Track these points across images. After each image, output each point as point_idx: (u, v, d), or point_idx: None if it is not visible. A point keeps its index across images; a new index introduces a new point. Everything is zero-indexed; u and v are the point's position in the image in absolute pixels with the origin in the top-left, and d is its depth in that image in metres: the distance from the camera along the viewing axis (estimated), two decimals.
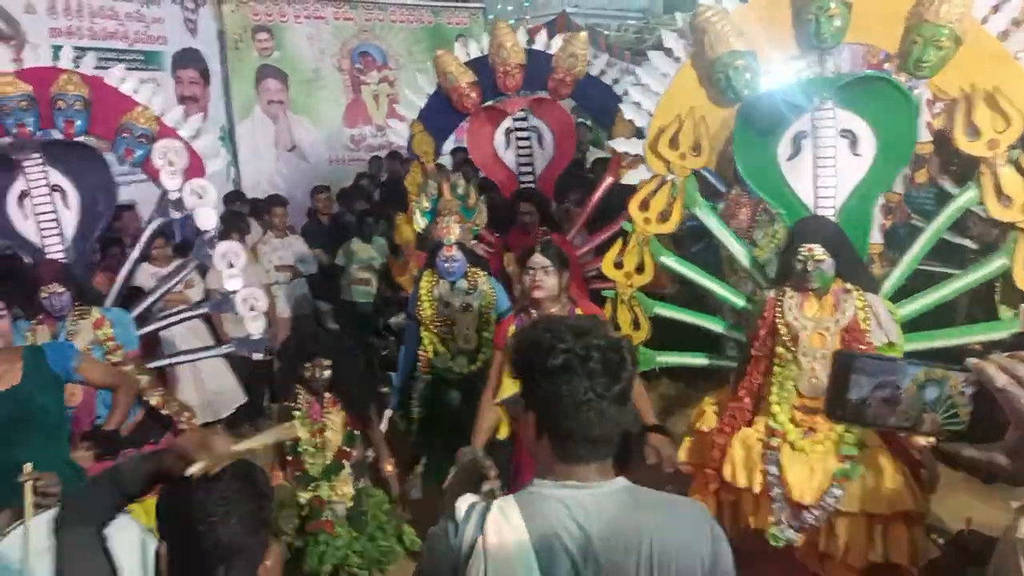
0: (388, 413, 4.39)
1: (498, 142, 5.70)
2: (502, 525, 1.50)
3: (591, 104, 5.60)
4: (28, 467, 2.51)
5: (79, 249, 4.48)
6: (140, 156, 4.43)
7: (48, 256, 4.35)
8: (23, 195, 4.39)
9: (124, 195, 5.44)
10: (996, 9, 3.44)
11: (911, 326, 3.67)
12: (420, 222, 4.75)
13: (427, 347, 4.32)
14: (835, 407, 1.10)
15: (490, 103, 5.53)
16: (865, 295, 3.35)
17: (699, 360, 4.14)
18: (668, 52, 3.91)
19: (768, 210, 4.69)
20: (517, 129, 5.60)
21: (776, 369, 3.42)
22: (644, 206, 3.98)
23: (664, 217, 3.96)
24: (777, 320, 3.39)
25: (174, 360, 4.94)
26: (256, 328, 4.57)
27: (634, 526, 1.49)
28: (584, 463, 1.53)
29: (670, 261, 4.04)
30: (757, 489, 3.35)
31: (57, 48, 7.20)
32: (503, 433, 3.44)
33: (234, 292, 4.52)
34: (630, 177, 4.13)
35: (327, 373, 3.42)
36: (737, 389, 3.54)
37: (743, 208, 5.07)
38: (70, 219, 4.48)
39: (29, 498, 2.45)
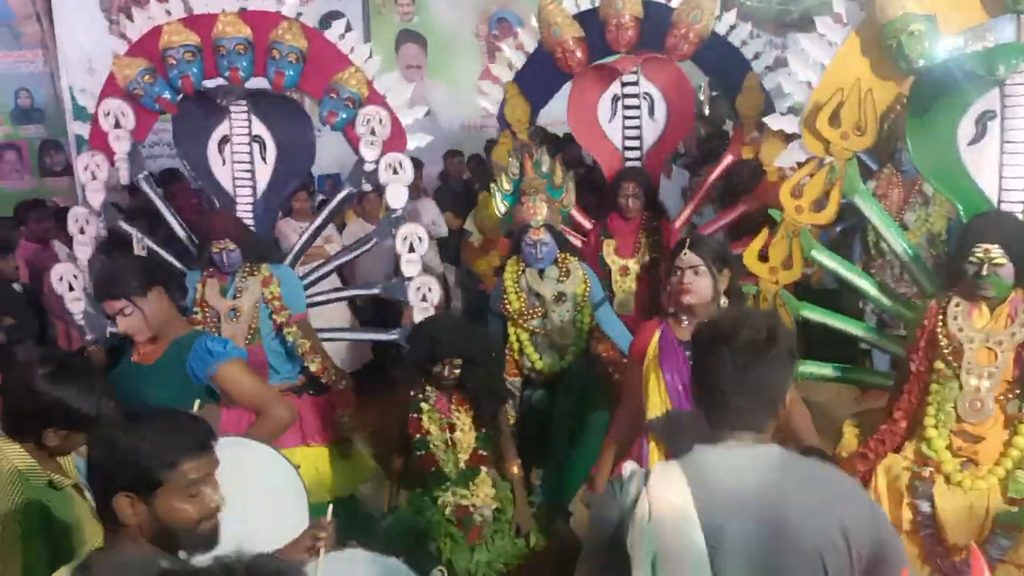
0: None
1: (602, 111, 4.88)
2: (664, 483, 1.64)
3: (715, 68, 4.87)
4: (196, 405, 2.61)
5: (267, 203, 4.37)
6: (342, 120, 4.16)
7: (238, 207, 4.29)
8: (224, 140, 4.32)
9: None
10: None
11: None
12: (501, 206, 4.33)
13: (514, 345, 3.92)
14: None
15: (598, 63, 4.80)
16: None
17: (848, 374, 3.70)
18: (836, 17, 3.42)
19: (924, 191, 4.37)
20: (625, 96, 4.81)
21: (934, 387, 2.91)
22: (797, 193, 3.47)
23: (819, 206, 3.46)
24: (938, 330, 2.90)
25: (332, 337, 4.64)
26: (422, 315, 4.13)
27: (783, 484, 1.62)
28: (733, 432, 1.68)
29: (822, 256, 3.58)
30: (906, 527, 2.89)
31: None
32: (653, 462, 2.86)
33: (410, 278, 4.21)
34: (783, 159, 3.65)
35: (457, 372, 3.20)
36: (892, 409, 3.03)
37: (895, 188, 4.77)
38: (264, 172, 4.35)
39: None
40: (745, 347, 1.64)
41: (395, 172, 4.20)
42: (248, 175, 4.31)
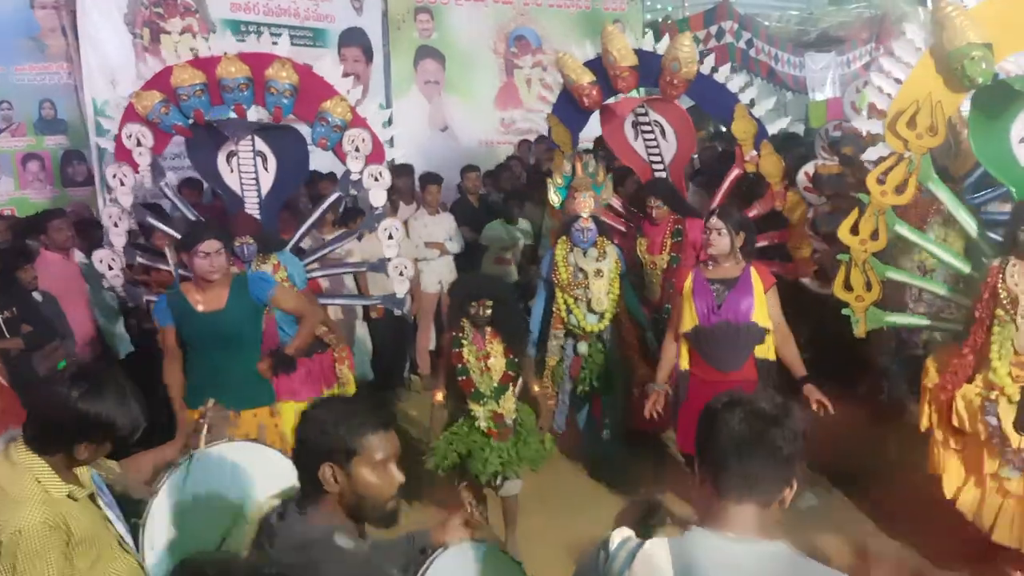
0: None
1: (628, 133, 5.79)
2: (650, 565, 1.52)
3: (706, 103, 5.56)
4: (211, 403, 2.75)
5: (271, 205, 5.27)
6: (333, 142, 5.12)
7: (246, 206, 5.15)
8: (231, 154, 5.17)
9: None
10: None
11: None
12: (554, 198, 5.27)
13: (561, 306, 5.01)
14: None
15: (609, 102, 5.65)
16: None
17: (923, 321, 4.59)
18: (910, 43, 4.24)
19: (941, 211, 4.68)
20: (640, 123, 5.66)
21: (996, 330, 3.80)
22: (881, 180, 4.23)
23: (900, 190, 4.22)
24: (999, 285, 3.79)
25: (332, 302, 5.72)
26: (400, 289, 5.37)
27: None
28: (738, 503, 1.55)
29: (904, 230, 4.32)
30: (982, 438, 3.75)
31: (236, 23, 7.61)
32: (684, 365, 4.22)
33: (389, 259, 5.31)
34: (869, 153, 4.42)
35: (488, 311, 4.08)
36: (961, 347, 3.94)
37: (911, 209, 4.81)
38: (267, 180, 5.24)
39: (204, 432, 2.69)
40: (762, 413, 1.57)
41: (376, 180, 5.16)
42: (253, 182, 5.19)
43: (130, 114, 5.06)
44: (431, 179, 6.91)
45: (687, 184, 6.11)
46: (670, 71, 5.20)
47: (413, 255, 6.63)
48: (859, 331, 4.42)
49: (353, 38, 8.92)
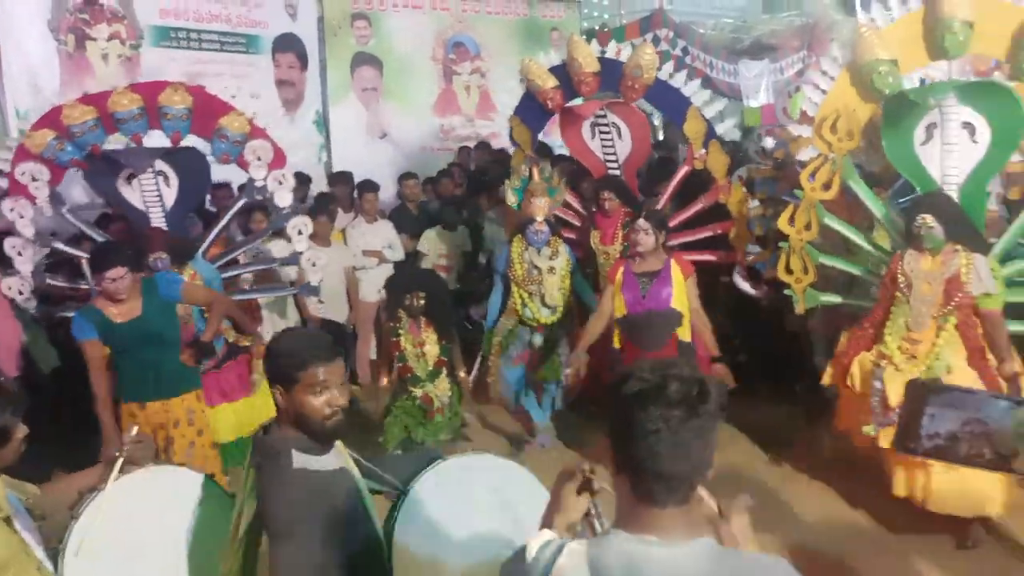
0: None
1: (585, 133, 6.18)
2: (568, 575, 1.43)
3: (663, 105, 6.13)
4: (134, 431, 2.70)
5: (176, 217, 5.50)
6: (235, 155, 5.53)
7: (152, 221, 5.33)
8: (131, 175, 5.35)
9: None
10: None
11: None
12: (511, 198, 5.54)
13: (517, 300, 5.39)
14: (907, 439, 1.02)
15: (571, 104, 6.05)
16: (972, 255, 4.17)
17: (848, 300, 5.05)
18: (835, 59, 4.88)
19: (867, 216, 5.03)
20: (598, 125, 6.08)
21: (893, 309, 4.35)
22: (812, 178, 4.80)
23: (826, 187, 4.79)
24: (898, 271, 4.30)
25: (246, 296, 5.85)
26: (314, 278, 5.81)
27: None
28: (661, 506, 1.44)
29: (831, 221, 4.86)
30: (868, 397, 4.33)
31: (165, 30, 7.48)
32: (617, 344, 4.83)
33: (301, 252, 5.75)
34: (802, 155, 5.00)
35: (422, 302, 4.54)
36: (863, 322, 4.53)
37: (843, 213, 5.16)
38: (170, 195, 5.49)
39: (118, 466, 2.61)
40: (678, 404, 1.40)
41: (280, 183, 5.63)
42: (157, 198, 5.39)
43: (22, 154, 5.22)
44: (368, 187, 6.85)
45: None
46: (632, 76, 5.65)
47: (351, 264, 6.58)
48: (799, 309, 5.01)
49: (287, 44, 8.77)
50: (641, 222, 4.65)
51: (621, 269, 4.79)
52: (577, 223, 6.19)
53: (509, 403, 5.65)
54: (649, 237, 4.64)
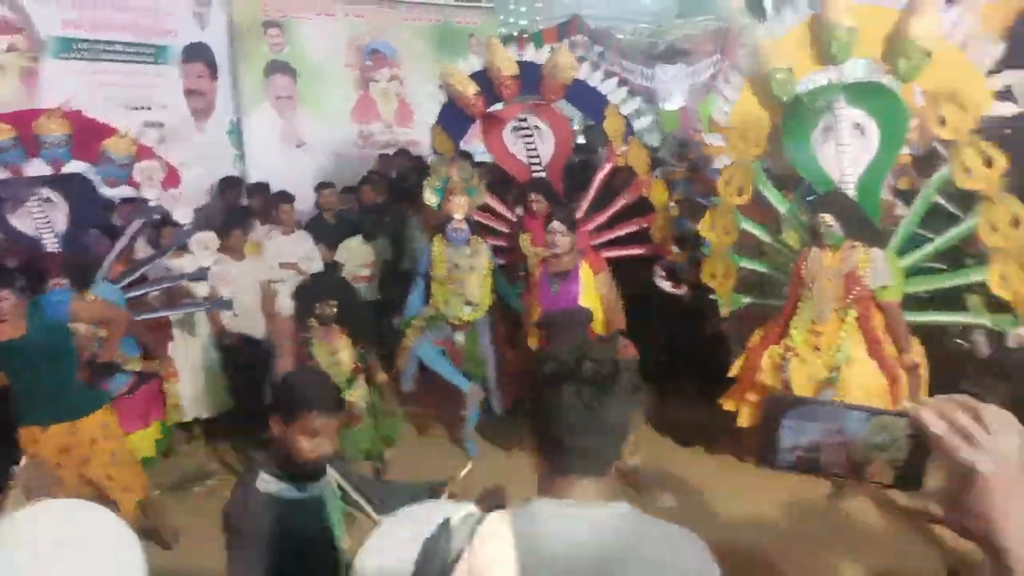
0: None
1: (507, 138, 6.20)
2: (490, 540, 1.46)
3: (582, 104, 6.26)
4: (23, 462, 2.56)
5: (72, 240, 5.44)
6: (123, 178, 5.51)
7: (46, 247, 5.27)
8: (15, 203, 5.30)
9: None
10: (955, 26, 4.42)
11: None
12: (431, 198, 5.57)
13: (438, 299, 5.40)
14: (766, 454, 1.02)
15: (493, 109, 6.07)
16: (869, 250, 4.39)
17: (763, 300, 5.20)
18: (739, 69, 5.08)
19: (777, 219, 5.16)
20: (520, 128, 6.11)
21: (799, 304, 4.59)
22: (728, 184, 4.99)
23: (741, 191, 4.97)
24: (803, 268, 4.53)
25: (156, 314, 5.71)
26: (225, 292, 5.74)
27: (626, 555, 1.44)
28: (577, 477, 1.50)
29: (747, 225, 5.09)
30: (777, 385, 4.58)
31: (67, 41, 7.22)
32: (533, 344, 5.06)
33: (208, 267, 5.66)
34: (716, 162, 5.25)
35: (334, 310, 4.48)
36: (777, 317, 4.74)
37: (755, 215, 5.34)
38: (60, 219, 5.42)
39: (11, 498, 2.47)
40: (591, 381, 1.48)
41: (175, 200, 5.63)
42: (47, 223, 5.32)
43: None
44: (283, 198, 6.72)
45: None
46: (551, 77, 5.74)
47: (268, 277, 6.42)
48: (724, 311, 5.17)
49: (197, 54, 8.55)
50: (556, 224, 4.78)
51: (539, 271, 4.99)
52: (506, 229, 6.22)
53: (405, 379, 5.54)
54: (566, 238, 4.78)
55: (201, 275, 5.67)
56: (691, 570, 1.50)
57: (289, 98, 9.30)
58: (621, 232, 5.96)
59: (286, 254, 6.53)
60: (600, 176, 6.12)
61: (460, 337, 5.50)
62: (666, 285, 5.72)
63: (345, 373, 4.56)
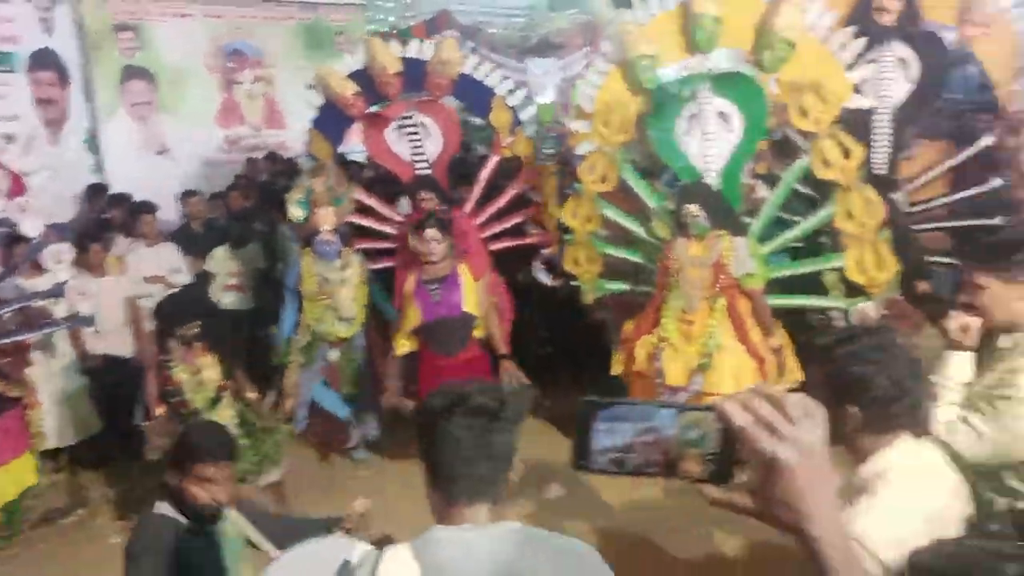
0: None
1: (390, 138, 5.96)
2: (395, 571, 1.49)
3: (469, 99, 6.12)
4: None
5: None
6: None
7: None
8: None
9: None
10: (820, 17, 4.52)
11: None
12: (296, 212, 5.32)
13: (309, 316, 5.18)
14: (579, 458, 1.02)
15: (376, 109, 5.88)
16: (733, 239, 4.50)
17: (633, 288, 5.22)
18: (604, 55, 5.04)
19: (644, 209, 5.16)
20: (405, 127, 5.90)
21: (667, 294, 4.63)
22: (590, 171, 4.98)
23: (604, 179, 4.96)
24: (670, 258, 4.56)
25: (12, 338, 5.19)
26: (84, 309, 5.46)
27: (525, 567, 1.51)
28: (472, 504, 1.59)
29: (610, 211, 5.10)
30: (650, 374, 4.64)
31: None
32: (402, 351, 4.88)
33: (64, 283, 5.28)
34: (580, 149, 5.14)
35: (195, 330, 4.23)
36: (647, 308, 4.78)
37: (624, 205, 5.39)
38: None
39: None
40: (481, 410, 1.58)
41: (23, 211, 5.30)
42: None
43: None
44: (145, 208, 6.40)
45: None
46: (436, 72, 5.62)
47: (133, 293, 6.11)
48: (587, 298, 5.18)
49: (44, 60, 8.06)
50: (430, 232, 4.62)
51: (412, 278, 4.77)
52: (391, 230, 6.00)
53: (298, 422, 5.29)
54: (441, 245, 4.64)
55: (58, 291, 5.29)
56: (590, 572, 1.58)
57: (147, 104, 8.90)
58: (508, 224, 5.89)
59: (151, 267, 6.22)
60: (487, 170, 6.01)
61: (335, 355, 5.30)
62: (544, 277, 5.72)
63: (210, 392, 4.32)
